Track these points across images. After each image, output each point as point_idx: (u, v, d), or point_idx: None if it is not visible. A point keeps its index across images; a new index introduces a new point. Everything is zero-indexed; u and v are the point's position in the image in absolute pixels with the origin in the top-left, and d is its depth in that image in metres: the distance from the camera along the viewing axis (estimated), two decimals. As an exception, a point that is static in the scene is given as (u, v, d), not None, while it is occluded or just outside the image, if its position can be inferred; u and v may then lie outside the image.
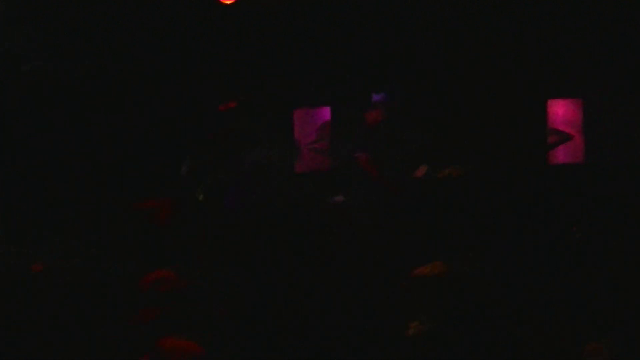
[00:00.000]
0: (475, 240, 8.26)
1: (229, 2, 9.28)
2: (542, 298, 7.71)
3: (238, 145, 8.69)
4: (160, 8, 9.43)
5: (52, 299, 8.01)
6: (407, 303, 7.63)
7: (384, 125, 7.74)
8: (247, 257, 8.20)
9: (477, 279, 7.84)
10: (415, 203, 8.33)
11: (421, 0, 9.55)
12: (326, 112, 9.86)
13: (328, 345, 7.56)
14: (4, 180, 9.43)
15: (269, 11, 9.61)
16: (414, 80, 8.82)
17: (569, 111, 9.67)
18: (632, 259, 8.17)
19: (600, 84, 9.39)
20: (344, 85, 9.79)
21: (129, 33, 9.49)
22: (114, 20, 9.48)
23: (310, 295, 7.93)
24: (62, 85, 9.48)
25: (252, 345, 7.61)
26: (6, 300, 7.97)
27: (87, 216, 8.91)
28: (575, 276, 8.10)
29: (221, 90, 9.53)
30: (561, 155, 9.66)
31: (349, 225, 8.51)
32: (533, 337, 7.39)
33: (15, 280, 8.06)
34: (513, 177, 9.24)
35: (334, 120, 9.75)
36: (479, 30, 9.62)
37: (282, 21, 9.70)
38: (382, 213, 8.54)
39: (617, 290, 8.00)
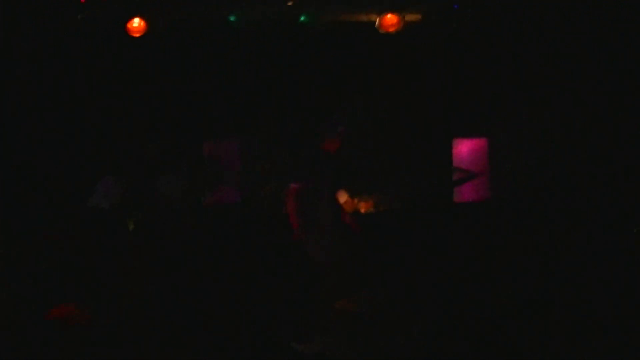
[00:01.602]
0: (379, 275, 8.28)
1: (137, 35, 9.24)
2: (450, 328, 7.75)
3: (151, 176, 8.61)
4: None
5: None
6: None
7: (339, 152, 7.81)
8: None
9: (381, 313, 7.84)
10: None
11: (322, 48, 9.68)
12: (234, 145, 9.88)
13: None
14: None
15: (177, 45, 9.60)
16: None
17: (474, 150, 9.85)
18: (535, 293, 8.29)
19: (505, 123, 9.57)
20: (252, 117, 9.81)
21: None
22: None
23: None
24: None
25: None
26: None
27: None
28: (483, 308, 8.17)
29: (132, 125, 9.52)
30: (467, 193, 9.81)
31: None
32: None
33: None
34: (419, 214, 9.34)
35: (242, 152, 9.76)
36: (386, 71, 9.74)
37: (191, 55, 9.69)
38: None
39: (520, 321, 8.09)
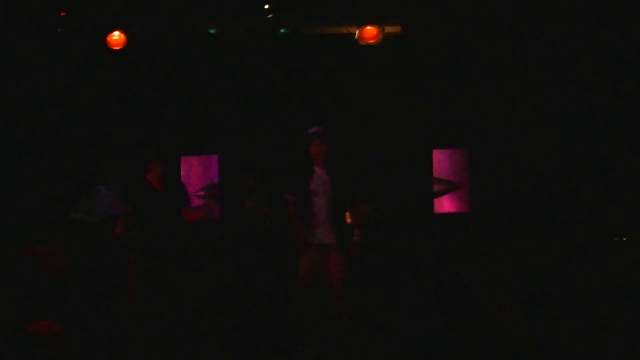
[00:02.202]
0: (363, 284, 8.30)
1: (117, 48, 9.23)
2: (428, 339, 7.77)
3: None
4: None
5: None
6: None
7: (325, 155, 7.84)
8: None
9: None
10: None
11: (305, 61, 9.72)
12: (214, 160, 9.87)
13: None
14: None
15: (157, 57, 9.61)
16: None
17: (453, 161, 9.90)
18: (513, 304, 8.31)
19: (484, 134, 9.62)
20: (233, 132, 9.81)
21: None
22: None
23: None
24: None
25: None
26: None
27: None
28: (460, 319, 8.19)
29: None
30: (447, 204, 9.86)
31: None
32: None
33: None
34: (400, 224, 9.35)
35: (222, 168, 9.75)
36: (366, 81, 9.78)
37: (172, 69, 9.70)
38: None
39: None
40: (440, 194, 9.83)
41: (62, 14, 9.00)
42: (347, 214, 8.05)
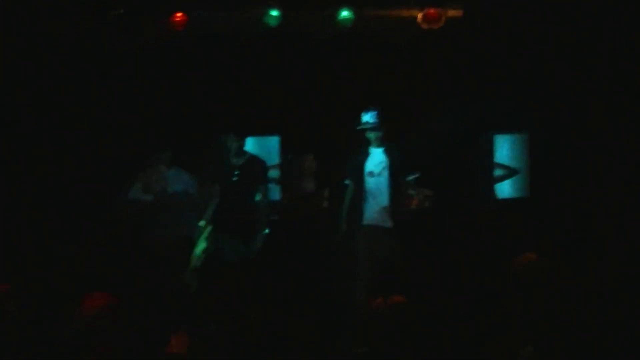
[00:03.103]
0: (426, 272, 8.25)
1: (180, 29, 9.33)
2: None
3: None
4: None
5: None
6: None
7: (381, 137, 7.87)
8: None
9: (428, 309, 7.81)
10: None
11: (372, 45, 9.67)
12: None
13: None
14: None
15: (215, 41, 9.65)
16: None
17: (515, 146, 9.81)
18: (573, 291, 8.21)
19: (546, 119, 9.50)
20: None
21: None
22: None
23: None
24: None
25: None
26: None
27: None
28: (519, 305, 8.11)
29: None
30: (507, 189, 9.78)
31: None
32: None
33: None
34: (460, 210, 9.30)
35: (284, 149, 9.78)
36: (429, 67, 9.72)
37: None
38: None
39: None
40: (501, 179, 9.76)
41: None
42: (404, 198, 8.05)
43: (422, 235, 8.53)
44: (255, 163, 8.33)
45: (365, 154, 7.95)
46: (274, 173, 9.51)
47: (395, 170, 7.98)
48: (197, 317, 6.21)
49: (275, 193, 9.48)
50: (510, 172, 9.72)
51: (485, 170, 9.71)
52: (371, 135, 7.91)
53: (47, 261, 8.55)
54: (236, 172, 8.11)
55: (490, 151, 9.78)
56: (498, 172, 9.75)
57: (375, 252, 7.93)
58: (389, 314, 6.68)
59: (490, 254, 8.79)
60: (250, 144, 9.66)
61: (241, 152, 8.26)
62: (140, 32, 9.33)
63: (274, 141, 9.93)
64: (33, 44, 9.15)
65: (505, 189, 9.77)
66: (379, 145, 7.92)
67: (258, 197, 8.41)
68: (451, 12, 9.25)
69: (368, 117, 7.90)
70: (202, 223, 8.47)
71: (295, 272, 8.53)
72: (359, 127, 7.95)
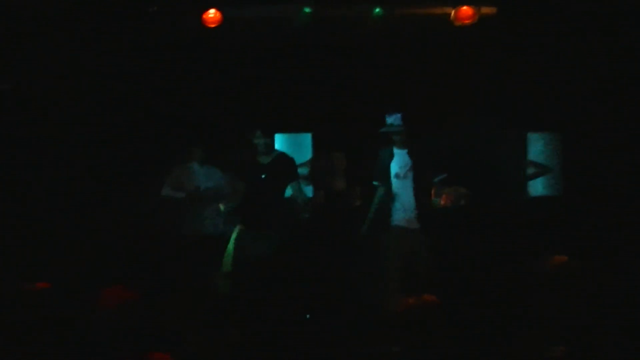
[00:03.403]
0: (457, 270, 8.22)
1: (212, 26, 9.37)
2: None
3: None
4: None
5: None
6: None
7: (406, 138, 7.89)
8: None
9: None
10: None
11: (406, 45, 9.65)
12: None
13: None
14: None
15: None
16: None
17: (548, 144, 9.76)
18: (607, 293, 8.15)
19: (580, 118, 9.44)
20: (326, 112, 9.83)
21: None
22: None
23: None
24: None
25: None
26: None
27: None
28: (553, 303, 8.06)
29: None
30: (540, 187, 9.73)
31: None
32: None
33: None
34: (493, 207, 9.25)
35: (315, 146, 9.79)
36: (461, 63, 9.68)
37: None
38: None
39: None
40: (533, 177, 9.71)
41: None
42: (433, 198, 8.04)
43: (451, 234, 8.49)
44: (283, 160, 8.28)
45: (391, 156, 7.94)
46: (304, 170, 9.54)
47: (420, 171, 7.96)
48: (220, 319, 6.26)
49: (307, 191, 9.50)
50: (542, 170, 9.67)
51: (517, 168, 9.67)
52: (396, 137, 7.90)
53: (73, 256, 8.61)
54: (263, 171, 8.09)
55: (522, 149, 9.74)
56: (530, 170, 9.70)
57: (403, 254, 7.93)
58: (421, 313, 6.70)
59: (521, 252, 8.76)
60: (283, 141, 9.71)
61: (269, 150, 8.20)
62: (173, 29, 9.39)
63: (306, 138, 9.96)
64: (69, 41, 9.23)
65: (537, 187, 9.73)
66: (403, 147, 7.90)
67: (289, 194, 8.40)
68: (484, 10, 9.20)
69: (392, 120, 7.88)
70: (222, 208, 8.61)
71: (324, 270, 8.54)
72: (382, 130, 7.94)
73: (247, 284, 7.56)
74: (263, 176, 8.05)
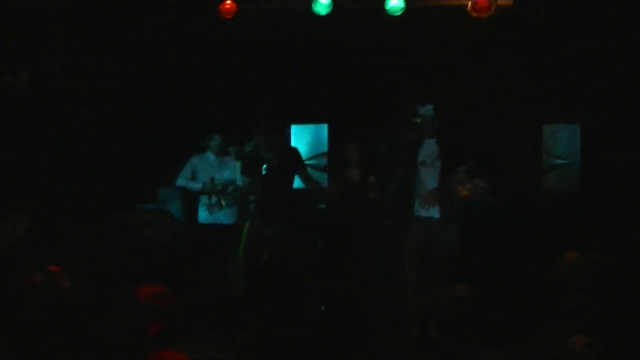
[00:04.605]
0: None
1: (229, 17, 9.37)
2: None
3: None
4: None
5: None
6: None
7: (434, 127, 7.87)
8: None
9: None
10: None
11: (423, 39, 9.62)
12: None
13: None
14: None
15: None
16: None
17: (565, 136, 9.71)
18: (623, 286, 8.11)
19: (598, 110, 9.38)
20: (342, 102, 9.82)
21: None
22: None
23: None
24: None
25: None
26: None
27: None
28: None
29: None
30: (556, 180, 9.69)
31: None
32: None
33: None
34: (508, 200, 9.22)
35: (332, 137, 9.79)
36: (478, 55, 9.65)
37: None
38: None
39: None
40: (549, 170, 9.68)
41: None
42: (455, 188, 8.02)
43: (472, 226, 8.48)
44: (287, 153, 8.31)
45: (419, 144, 7.97)
46: (321, 161, 9.55)
47: (448, 160, 7.99)
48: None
49: (323, 179, 9.52)
50: (560, 163, 9.63)
51: (534, 160, 9.64)
52: (426, 128, 7.92)
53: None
54: (266, 166, 8.10)
55: (539, 141, 9.71)
56: (547, 163, 9.67)
57: (426, 242, 7.93)
58: (461, 301, 6.78)
59: (539, 244, 8.74)
60: (299, 132, 9.72)
61: (272, 144, 8.19)
62: (190, 20, 9.39)
63: (323, 129, 9.96)
64: (88, 35, 9.24)
65: (554, 180, 9.69)
66: (432, 136, 7.95)
67: (297, 185, 8.42)
68: (501, 1, 9.16)
69: (424, 110, 7.91)
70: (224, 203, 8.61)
71: (344, 260, 8.56)
72: (414, 120, 7.95)
73: (259, 278, 7.58)
74: (264, 171, 8.07)
